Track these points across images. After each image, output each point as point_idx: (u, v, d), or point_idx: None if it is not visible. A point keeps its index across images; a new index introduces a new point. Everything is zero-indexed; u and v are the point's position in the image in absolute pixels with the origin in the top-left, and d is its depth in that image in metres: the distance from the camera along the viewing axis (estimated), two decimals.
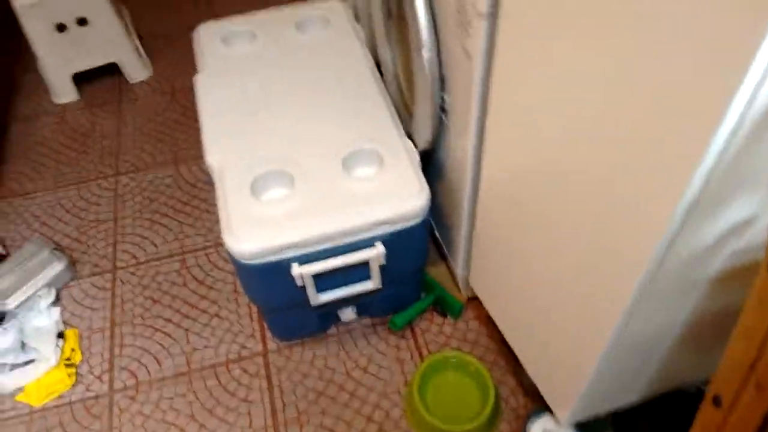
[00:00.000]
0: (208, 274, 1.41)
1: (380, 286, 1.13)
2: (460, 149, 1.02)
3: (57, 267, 1.38)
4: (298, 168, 1.10)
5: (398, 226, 1.06)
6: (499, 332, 1.24)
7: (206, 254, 1.45)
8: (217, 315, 1.34)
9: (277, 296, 1.12)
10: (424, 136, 1.09)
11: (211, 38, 1.37)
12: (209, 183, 1.20)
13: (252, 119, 1.20)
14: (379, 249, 1.06)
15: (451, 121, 1.02)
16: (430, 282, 1.30)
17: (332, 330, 1.29)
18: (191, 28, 1.43)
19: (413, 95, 1.27)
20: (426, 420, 1.10)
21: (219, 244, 1.46)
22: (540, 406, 1.08)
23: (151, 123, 1.77)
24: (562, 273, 0.82)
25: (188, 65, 1.92)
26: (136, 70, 1.86)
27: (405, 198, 1.05)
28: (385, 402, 1.18)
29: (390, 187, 1.06)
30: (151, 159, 1.67)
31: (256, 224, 1.03)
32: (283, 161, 1.11)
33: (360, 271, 1.09)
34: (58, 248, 1.44)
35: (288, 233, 1.02)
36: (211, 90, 1.26)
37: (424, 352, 1.25)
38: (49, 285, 1.36)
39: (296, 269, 1.04)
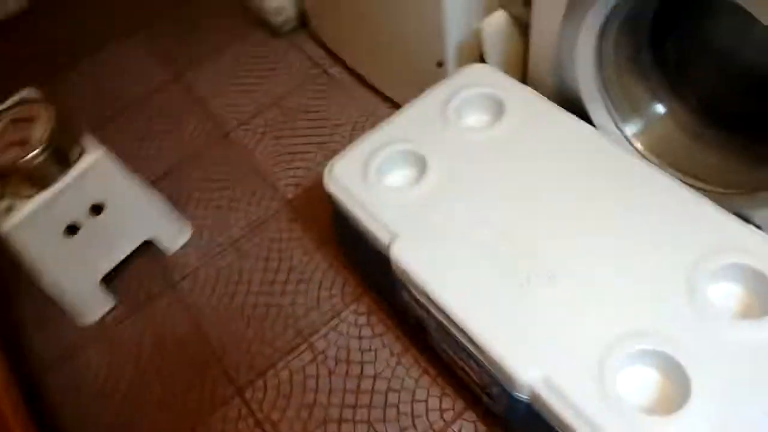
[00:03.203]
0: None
1: None
2: None
3: None
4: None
5: None
6: None
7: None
8: None
9: None
10: None
11: (356, 179, 0.95)
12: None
13: (535, 297, 0.82)
14: None
15: None
16: None
17: None
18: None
19: None
20: None
21: None
22: None
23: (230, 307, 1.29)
24: None
25: (224, 213, 1.43)
26: (174, 236, 1.37)
27: None
28: None
29: None
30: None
31: None
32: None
33: None
34: None
35: None
36: (435, 264, 0.85)
37: None
38: None
39: None
